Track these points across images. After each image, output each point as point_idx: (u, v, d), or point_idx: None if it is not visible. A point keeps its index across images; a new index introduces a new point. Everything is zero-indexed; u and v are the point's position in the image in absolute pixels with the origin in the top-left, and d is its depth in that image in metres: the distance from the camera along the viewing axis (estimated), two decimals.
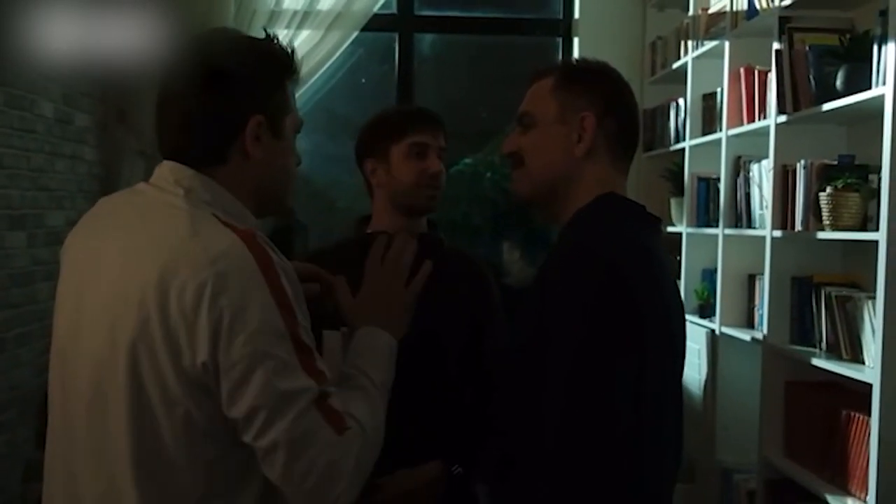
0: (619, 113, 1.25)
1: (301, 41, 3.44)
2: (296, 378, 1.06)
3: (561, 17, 3.74)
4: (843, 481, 2.17)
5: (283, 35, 3.39)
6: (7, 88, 2.64)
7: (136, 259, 1.08)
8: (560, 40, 3.74)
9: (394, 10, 3.67)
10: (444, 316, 1.67)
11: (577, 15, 3.65)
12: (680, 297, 1.33)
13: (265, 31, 1.23)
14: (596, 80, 1.27)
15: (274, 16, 3.45)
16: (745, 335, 2.72)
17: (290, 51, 1.20)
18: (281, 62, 1.17)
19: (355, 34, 3.47)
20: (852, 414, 2.16)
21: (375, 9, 3.46)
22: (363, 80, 3.86)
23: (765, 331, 2.56)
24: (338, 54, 3.48)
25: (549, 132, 1.25)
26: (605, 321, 1.10)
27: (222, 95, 1.13)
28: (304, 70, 3.32)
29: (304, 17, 3.44)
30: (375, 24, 3.51)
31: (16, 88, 2.68)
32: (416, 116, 1.72)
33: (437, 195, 1.69)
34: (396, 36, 3.70)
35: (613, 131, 1.25)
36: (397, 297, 1.31)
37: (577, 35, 3.65)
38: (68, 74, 2.92)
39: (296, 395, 1.05)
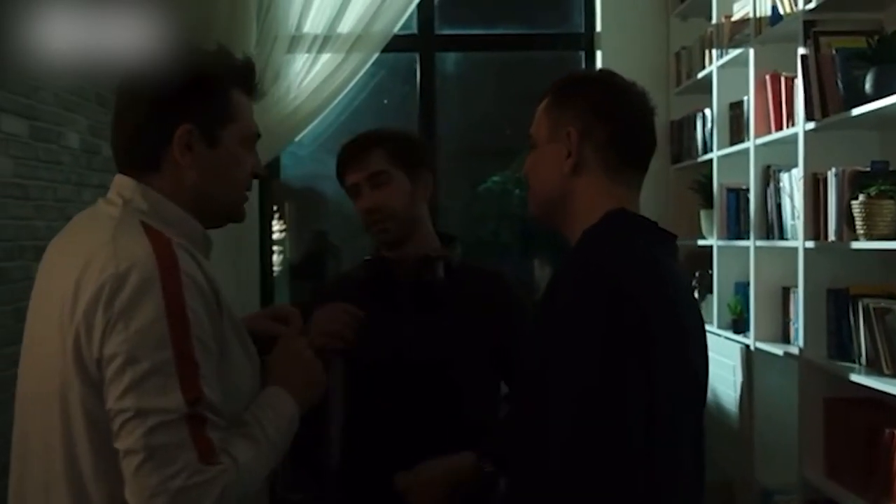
0: (610, 121, 1.20)
1: (322, 64, 3.45)
2: (166, 390, 1.03)
3: (583, 30, 3.70)
4: (887, 503, 2.06)
5: (303, 59, 3.49)
6: (33, 121, 2.68)
7: (64, 270, 1.12)
8: (583, 54, 3.70)
9: (414, 30, 3.67)
10: (455, 347, 1.62)
11: (598, 28, 3.61)
12: (699, 315, 1.27)
13: (218, 43, 1.23)
14: (580, 91, 1.23)
15: (295, 40, 3.47)
16: (781, 350, 2.62)
17: (241, 63, 1.22)
18: (220, 73, 1.18)
19: (376, 55, 3.47)
20: None
21: (395, 30, 3.46)
22: (385, 101, 3.86)
23: (801, 345, 2.47)
24: (359, 76, 3.48)
25: (544, 152, 1.24)
26: (612, 343, 1.05)
27: (149, 106, 1.16)
28: (325, 93, 3.43)
29: (325, 41, 3.45)
30: (396, 44, 3.51)
31: (42, 121, 2.73)
32: (344, 156, 1.65)
33: (386, 227, 1.62)
34: (417, 56, 3.70)
35: (604, 142, 1.20)
36: (308, 371, 1.26)
37: (599, 48, 3.60)
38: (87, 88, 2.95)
39: (159, 406, 1.03)
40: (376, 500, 1.54)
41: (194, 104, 1.16)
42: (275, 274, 3.79)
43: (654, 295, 1.11)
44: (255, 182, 3.80)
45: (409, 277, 1.63)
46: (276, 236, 3.88)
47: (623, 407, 1.04)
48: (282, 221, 3.95)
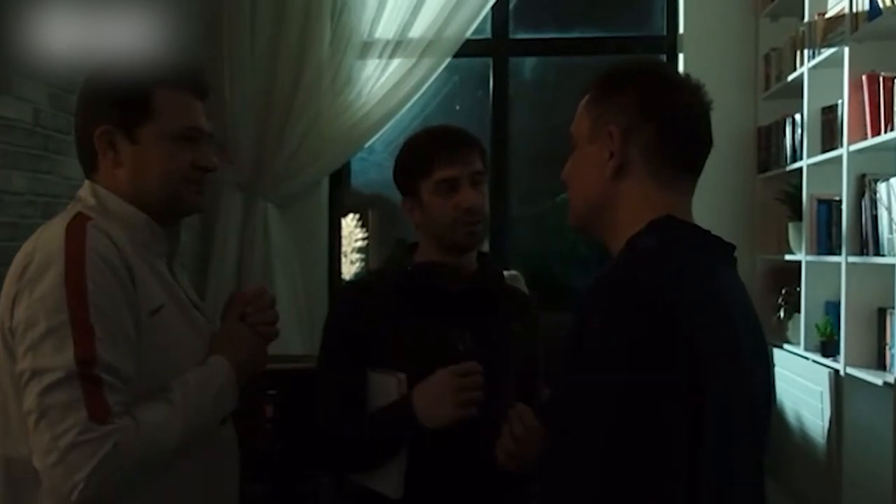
0: (656, 119, 1.07)
1: (393, 70, 3.42)
2: (60, 350, 1.12)
3: (664, 33, 3.53)
4: None
5: (374, 64, 3.46)
6: None
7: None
8: (664, 58, 3.52)
9: (488, 34, 3.59)
10: (507, 359, 1.54)
11: (681, 30, 3.43)
12: (761, 334, 1.13)
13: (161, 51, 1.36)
14: (624, 85, 1.10)
15: (367, 46, 3.45)
16: (876, 378, 2.39)
17: (173, 65, 1.33)
18: (137, 76, 1.28)
19: (448, 61, 3.41)
20: None
21: (468, 34, 3.39)
22: (457, 107, 3.79)
23: None
24: (430, 81, 3.43)
25: (584, 153, 1.11)
26: (650, 363, 0.93)
27: (77, 112, 1.31)
28: (396, 99, 3.38)
29: (397, 46, 3.42)
30: (469, 49, 3.44)
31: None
32: (439, 145, 1.53)
33: (477, 230, 1.52)
34: (491, 61, 3.61)
35: (651, 142, 1.07)
36: (248, 340, 1.34)
37: (681, 51, 3.42)
38: None
39: (53, 365, 1.12)
40: None
41: (109, 107, 1.27)
42: (346, 280, 3.76)
43: (700, 314, 0.98)
44: (325, 187, 3.74)
45: (465, 286, 1.55)
46: (358, 244, 3.86)
47: (659, 449, 0.92)
48: (364, 229, 3.93)
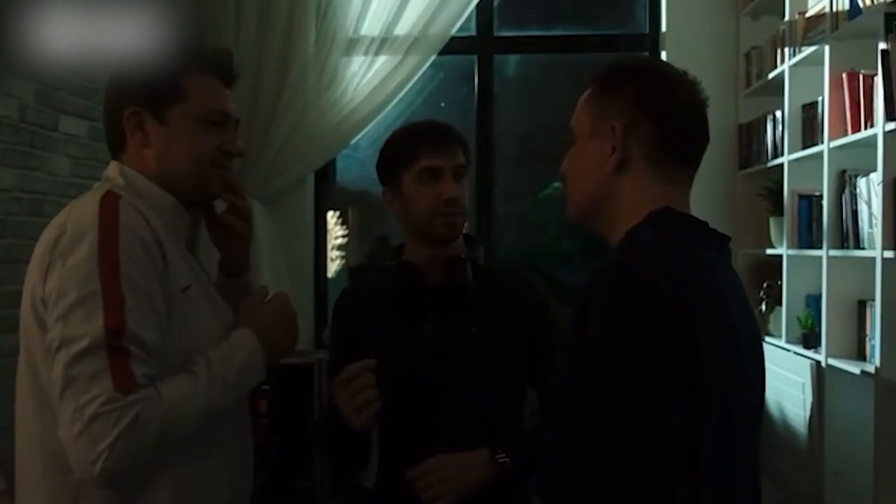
0: (657, 115, 1.10)
1: (379, 67, 3.42)
2: (89, 320, 1.12)
3: (647, 31, 3.57)
4: None
5: (360, 61, 3.46)
6: (92, 122, 2.72)
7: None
8: (648, 55, 3.57)
9: (473, 32, 3.61)
10: (484, 351, 1.55)
11: (664, 28, 3.48)
12: (755, 325, 1.16)
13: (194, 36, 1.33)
14: (625, 82, 1.12)
15: (352, 43, 3.45)
16: (856, 368, 2.45)
17: (203, 49, 1.35)
18: (167, 59, 1.30)
19: (433, 58, 3.42)
20: None
21: (453, 32, 3.41)
22: (443, 104, 3.81)
23: (878, 363, 2.30)
24: (416, 78, 3.44)
25: (584, 148, 1.14)
26: (651, 359, 0.95)
27: (106, 95, 1.33)
28: (381, 96, 3.39)
29: (382, 43, 3.42)
30: (454, 47, 3.46)
31: (100, 122, 2.77)
32: (425, 136, 1.55)
33: (456, 221, 1.54)
34: (476, 58, 3.63)
35: (651, 137, 1.09)
36: (289, 321, 1.37)
37: (664, 49, 3.47)
38: None
39: (81, 333, 1.12)
40: None
41: (139, 88, 1.28)
42: (329, 276, 3.76)
43: (700, 308, 1.00)
44: (311, 184, 3.76)
45: (436, 281, 1.56)
46: (339, 241, 3.87)
47: (660, 447, 0.94)
48: (345, 227, 3.94)
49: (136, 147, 1.29)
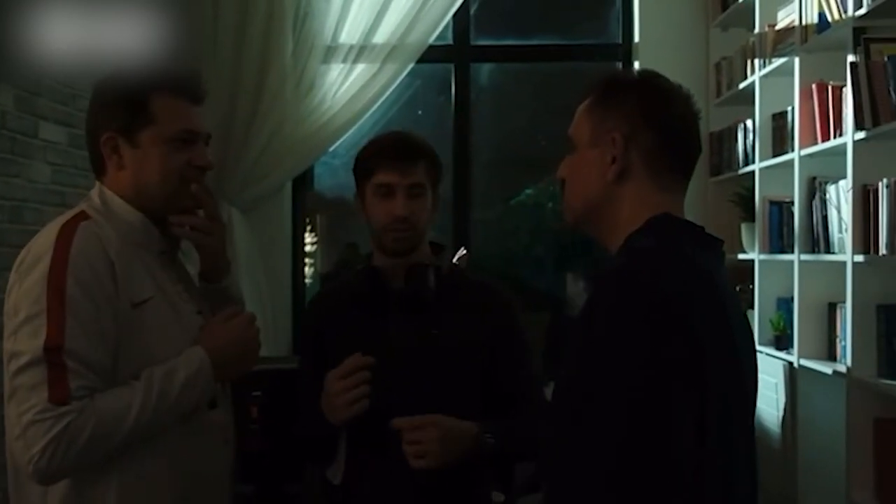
0: (658, 127, 1.13)
1: (357, 75, 3.45)
2: (32, 338, 1.24)
3: (620, 41, 3.65)
4: None
5: (338, 69, 3.48)
6: (71, 129, 2.70)
7: None
8: (620, 65, 3.65)
9: (450, 40, 3.65)
10: (444, 357, 1.59)
11: (637, 38, 3.56)
12: (749, 325, 1.21)
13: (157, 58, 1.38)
14: (626, 93, 1.15)
15: (330, 50, 3.47)
16: (827, 368, 2.53)
17: (169, 71, 1.42)
18: (136, 84, 1.37)
19: (411, 66, 3.46)
20: None
21: (431, 40, 3.44)
22: (420, 112, 3.84)
23: (849, 363, 2.38)
24: (394, 86, 3.47)
25: (584, 157, 1.16)
26: (658, 356, 0.98)
27: (87, 120, 1.42)
28: (360, 104, 3.41)
29: (361, 51, 3.45)
30: (431, 55, 3.50)
31: (79, 128, 2.74)
32: (384, 152, 1.58)
33: (406, 237, 1.57)
34: (453, 67, 3.67)
35: (651, 148, 1.12)
36: (248, 341, 1.43)
37: (637, 59, 3.55)
38: None
39: (25, 349, 1.24)
40: None
41: (112, 114, 1.37)
42: (307, 284, 3.77)
43: (700, 306, 1.04)
44: (289, 191, 3.76)
45: (400, 286, 1.60)
46: (307, 248, 3.87)
47: (670, 440, 0.97)
48: (313, 234, 3.94)
49: (114, 169, 1.39)
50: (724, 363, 1.05)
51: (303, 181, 3.65)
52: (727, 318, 1.09)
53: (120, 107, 1.36)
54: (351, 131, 3.50)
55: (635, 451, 0.97)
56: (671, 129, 1.15)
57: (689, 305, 1.03)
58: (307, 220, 3.83)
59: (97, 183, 1.43)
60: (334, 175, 3.86)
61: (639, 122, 1.13)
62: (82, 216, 1.35)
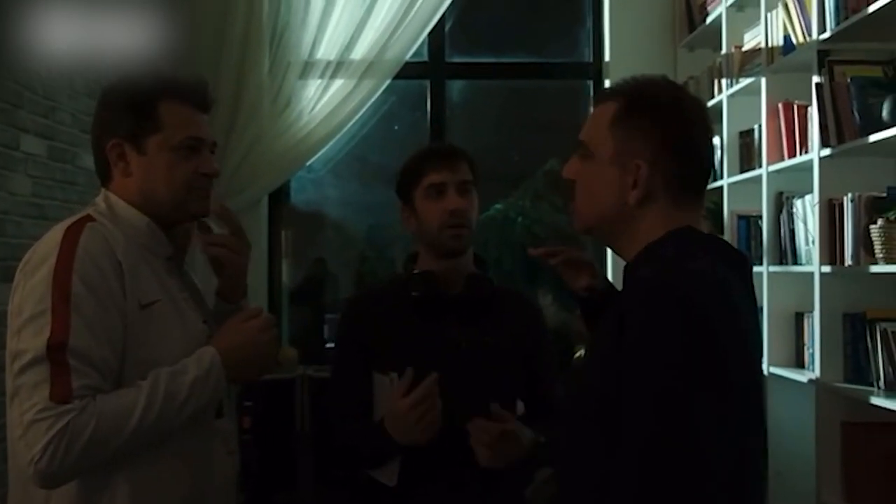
0: (683, 153, 1.14)
1: (334, 90, 3.48)
2: (36, 336, 1.23)
3: (591, 60, 3.75)
4: None
5: (315, 85, 3.51)
6: (51, 142, 2.69)
7: None
8: (591, 83, 3.75)
9: (425, 57, 3.72)
10: (498, 364, 1.66)
11: (607, 58, 3.67)
12: (760, 333, 1.26)
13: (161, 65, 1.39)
14: (657, 117, 1.13)
15: (308, 66, 3.50)
16: (796, 375, 2.64)
17: (176, 79, 1.40)
18: (143, 91, 1.37)
19: (388, 82, 3.51)
20: None
21: (407, 57, 3.50)
22: (396, 128, 3.89)
23: (816, 370, 2.48)
24: (370, 102, 3.51)
25: (603, 173, 1.15)
26: (690, 365, 1.02)
27: (92, 127, 1.41)
28: (337, 119, 3.45)
29: (338, 67, 3.49)
30: (407, 72, 3.55)
31: (59, 141, 2.73)
32: (430, 155, 1.68)
33: (462, 233, 1.63)
34: (428, 83, 3.74)
35: (673, 175, 1.14)
36: (263, 344, 1.40)
37: (607, 77, 3.65)
38: None
39: (29, 347, 1.23)
40: None
41: (119, 120, 1.37)
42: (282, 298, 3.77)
43: (723, 314, 1.07)
44: (265, 205, 3.78)
45: (460, 291, 1.65)
46: None
47: (697, 453, 1.00)
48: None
49: (120, 176, 1.38)
50: (742, 364, 1.09)
51: (279, 195, 3.66)
52: (746, 336, 1.12)
53: (127, 113, 1.36)
54: (328, 146, 3.53)
55: (663, 463, 0.99)
56: (694, 157, 1.16)
57: (717, 317, 1.05)
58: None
59: (102, 189, 1.42)
60: (310, 188, 3.88)
61: (664, 150, 1.13)
62: (88, 219, 1.34)
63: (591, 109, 1.23)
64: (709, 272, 1.10)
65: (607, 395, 1.05)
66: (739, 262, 1.19)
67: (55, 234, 1.30)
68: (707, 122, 1.18)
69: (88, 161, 2.83)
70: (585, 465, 1.10)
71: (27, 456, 1.20)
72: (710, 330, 1.04)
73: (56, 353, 1.21)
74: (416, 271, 1.68)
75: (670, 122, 1.14)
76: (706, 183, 1.20)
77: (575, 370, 1.24)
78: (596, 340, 1.15)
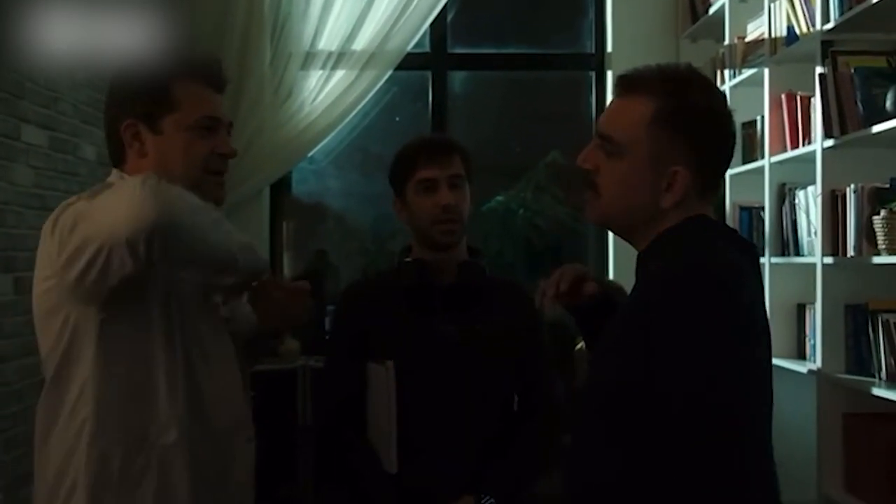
0: (716, 161, 1.16)
1: (336, 81, 3.48)
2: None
3: (593, 51, 3.74)
4: None
5: (317, 76, 3.51)
6: (52, 132, 2.68)
7: None
8: (593, 74, 3.74)
9: (427, 48, 3.70)
10: (490, 351, 1.66)
11: (609, 49, 3.66)
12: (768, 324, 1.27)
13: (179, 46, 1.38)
14: (698, 125, 1.13)
15: (309, 57, 3.50)
16: (797, 366, 2.64)
17: (191, 57, 1.41)
18: (157, 70, 1.36)
19: (389, 73, 3.50)
20: None
21: (409, 48, 3.49)
22: (397, 119, 3.88)
23: (818, 361, 2.48)
24: (372, 93, 3.51)
25: (636, 174, 1.14)
26: (727, 342, 1.04)
27: (105, 108, 1.39)
28: (339, 110, 3.44)
29: (339, 58, 3.48)
30: (409, 63, 3.54)
31: (60, 132, 2.73)
32: (422, 150, 1.68)
33: (454, 228, 1.65)
34: (430, 74, 3.73)
35: (707, 178, 1.15)
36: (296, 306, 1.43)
37: (610, 69, 3.65)
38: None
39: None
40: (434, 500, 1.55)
41: (133, 101, 1.35)
42: None
43: (753, 298, 1.10)
44: (267, 196, 3.76)
45: (447, 281, 1.65)
46: None
47: (745, 417, 1.06)
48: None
49: (134, 157, 1.36)
50: (761, 343, 1.13)
51: (280, 186, 3.66)
52: (765, 314, 1.16)
53: (142, 93, 1.34)
54: (329, 137, 3.53)
55: (710, 439, 1.02)
56: (723, 161, 1.18)
57: (749, 299, 1.08)
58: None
59: (115, 170, 1.39)
60: (312, 179, 3.88)
61: (703, 158, 1.13)
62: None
63: (613, 99, 1.20)
64: (731, 259, 1.11)
65: (625, 382, 1.06)
66: (750, 250, 1.20)
67: (79, 201, 1.27)
68: (731, 115, 1.18)
69: (90, 152, 2.90)
70: (587, 460, 1.11)
71: (136, 184, 1.16)
72: (745, 314, 1.06)
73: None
74: (407, 259, 1.68)
75: (708, 130, 1.14)
76: (724, 174, 1.23)
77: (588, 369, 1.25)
78: (610, 333, 1.14)
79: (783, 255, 2.75)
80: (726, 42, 3.15)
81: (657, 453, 1.04)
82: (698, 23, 3.41)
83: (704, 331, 1.03)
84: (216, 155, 1.38)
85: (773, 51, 2.78)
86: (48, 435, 1.30)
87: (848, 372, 2.40)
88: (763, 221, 2.87)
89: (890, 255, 2.16)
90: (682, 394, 1.03)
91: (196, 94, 1.36)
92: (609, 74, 3.65)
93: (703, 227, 1.15)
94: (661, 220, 1.15)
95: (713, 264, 1.09)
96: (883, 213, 2.17)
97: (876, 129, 2.18)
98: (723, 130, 1.16)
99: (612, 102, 1.21)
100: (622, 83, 1.18)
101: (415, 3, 3.44)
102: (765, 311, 1.17)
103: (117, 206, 1.17)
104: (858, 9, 2.26)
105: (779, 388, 2.86)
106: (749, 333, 1.07)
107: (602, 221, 1.22)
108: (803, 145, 2.62)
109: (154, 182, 1.17)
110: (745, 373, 1.06)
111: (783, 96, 2.73)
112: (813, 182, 2.52)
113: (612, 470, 1.08)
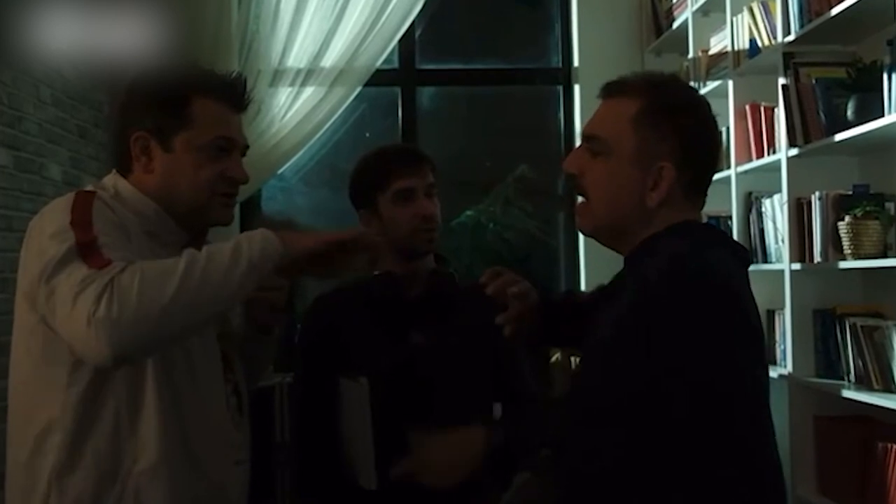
0: (701, 158, 1.16)
1: (305, 98, 3.47)
2: (62, 243, 1.15)
3: (560, 66, 3.79)
4: None
5: (286, 93, 3.50)
6: (17, 152, 2.64)
7: None
8: (561, 89, 3.79)
9: (396, 65, 3.72)
10: (462, 362, 1.65)
11: (576, 63, 3.71)
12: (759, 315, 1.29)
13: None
14: (682, 121, 1.14)
15: (278, 74, 3.49)
16: (771, 372, 2.67)
17: (213, 75, 1.34)
18: (176, 84, 1.30)
19: (358, 90, 3.51)
20: (889, 445, 2.12)
21: (378, 64, 3.51)
22: (367, 135, 3.89)
23: (789, 366, 2.53)
24: (341, 110, 3.51)
25: (622, 172, 1.14)
26: (730, 341, 1.07)
27: (116, 116, 1.35)
28: (308, 127, 3.43)
29: (308, 75, 3.48)
30: (378, 79, 3.55)
31: (25, 152, 2.68)
32: (397, 159, 1.67)
33: (434, 236, 1.65)
34: (399, 90, 3.74)
35: (692, 178, 1.15)
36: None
37: (577, 83, 3.70)
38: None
39: (57, 251, 1.14)
40: None
41: (147, 112, 1.29)
42: None
43: (749, 300, 1.13)
44: (237, 213, 3.70)
45: (421, 291, 1.66)
46: None
47: (754, 418, 1.10)
48: None
49: (140, 171, 1.31)
50: (763, 355, 1.18)
51: (250, 204, 3.64)
52: (758, 315, 1.19)
53: (157, 105, 1.29)
54: (299, 154, 3.52)
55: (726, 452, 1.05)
56: (712, 160, 1.20)
57: (746, 299, 1.12)
58: None
59: (114, 174, 1.34)
60: (281, 197, 3.86)
61: (688, 154, 1.13)
62: (94, 194, 1.26)
63: (603, 104, 1.21)
64: (725, 261, 1.14)
65: (625, 383, 1.07)
66: (742, 254, 1.22)
67: (61, 199, 1.23)
68: (716, 124, 1.21)
69: (56, 172, 2.85)
70: (586, 459, 1.12)
71: (81, 320, 1.08)
72: (745, 314, 1.10)
73: (85, 248, 1.13)
74: (376, 272, 1.67)
75: (691, 125, 1.15)
76: (711, 179, 1.22)
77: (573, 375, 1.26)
78: (602, 334, 1.13)
79: (752, 262, 2.80)
80: (690, 55, 3.21)
81: (663, 450, 1.05)
82: (662, 37, 3.48)
83: (709, 330, 1.05)
84: (226, 178, 1.32)
85: (737, 63, 2.85)
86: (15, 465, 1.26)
87: (818, 375, 2.45)
88: (731, 230, 2.92)
89: (855, 260, 2.21)
90: (685, 394, 1.04)
91: (213, 114, 1.30)
92: (576, 88, 3.70)
93: (695, 230, 1.17)
94: (649, 224, 1.15)
95: (712, 265, 1.10)
96: (847, 219, 2.22)
97: (838, 137, 2.25)
98: (706, 127, 1.18)
99: (598, 108, 1.22)
100: (608, 88, 1.19)
101: (383, 19, 3.46)
102: (758, 312, 1.19)
103: (71, 323, 1.11)
104: (818, 22, 2.33)
105: None
106: (749, 333, 1.09)
107: (593, 227, 1.21)
108: (768, 154, 2.68)
109: (103, 314, 1.07)
110: (748, 371, 1.08)
111: (747, 107, 2.79)
112: (779, 190, 2.57)
113: (613, 458, 1.09)
